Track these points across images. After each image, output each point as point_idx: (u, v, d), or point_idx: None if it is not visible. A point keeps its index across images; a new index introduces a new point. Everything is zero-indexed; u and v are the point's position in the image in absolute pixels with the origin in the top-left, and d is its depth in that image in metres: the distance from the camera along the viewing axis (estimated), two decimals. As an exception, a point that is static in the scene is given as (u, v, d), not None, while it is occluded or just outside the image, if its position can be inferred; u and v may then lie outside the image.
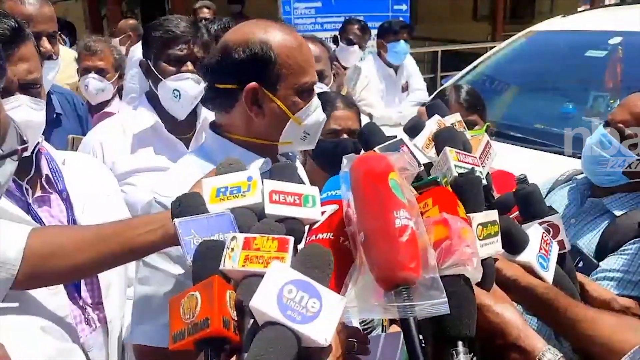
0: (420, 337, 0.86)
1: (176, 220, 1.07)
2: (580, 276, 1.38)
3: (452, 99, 2.55)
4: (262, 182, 1.10)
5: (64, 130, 2.62)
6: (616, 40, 3.92)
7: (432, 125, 1.32)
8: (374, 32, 5.88)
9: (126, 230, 1.22)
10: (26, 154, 1.51)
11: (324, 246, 0.94)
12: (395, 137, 1.30)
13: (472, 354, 0.92)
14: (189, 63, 2.33)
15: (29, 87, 1.46)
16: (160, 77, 2.33)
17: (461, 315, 0.90)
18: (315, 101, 1.53)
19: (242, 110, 1.47)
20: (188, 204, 1.10)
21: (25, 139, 1.12)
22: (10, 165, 1.08)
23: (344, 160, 1.01)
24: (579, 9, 9.75)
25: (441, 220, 0.96)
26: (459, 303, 0.89)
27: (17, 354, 1.16)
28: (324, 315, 0.82)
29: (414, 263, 0.86)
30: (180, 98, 2.32)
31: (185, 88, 2.31)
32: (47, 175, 1.58)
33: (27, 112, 1.45)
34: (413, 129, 1.33)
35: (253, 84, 1.44)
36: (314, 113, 1.52)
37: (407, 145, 1.24)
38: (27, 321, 1.38)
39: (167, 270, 1.39)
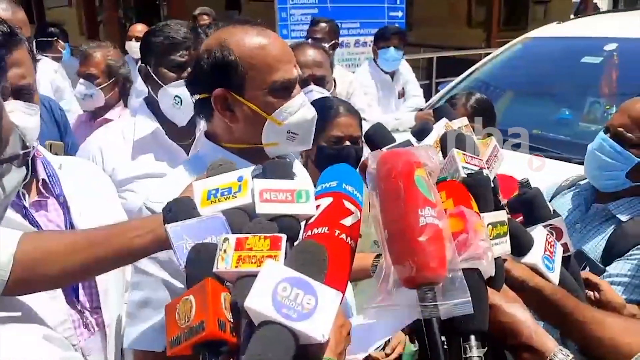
0: (443, 338, 0.86)
1: (167, 225, 1.05)
2: (594, 277, 1.37)
3: (460, 104, 2.57)
4: (253, 181, 1.08)
5: (42, 136, 2.57)
6: (611, 46, 3.95)
7: (440, 128, 1.32)
8: (370, 38, 5.89)
9: (116, 235, 1.22)
10: None
11: (317, 242, 0.93)
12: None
13: (486, 348, 0.92)
14: (189, 69, 2.32)
15: (23, 92, 1.45)
16: (160, 83, 2.33)
17: (475, 309, 0.90)
18: (298, 99, 1.47)
19: (219, 118, 1.47)
20: (179, 209, 1.08)
21: (28, 144, 1.11)
22: (17, 174, 1.07)
23: (370, 158, 0.98)
24: (571, 16, 9.82)
25: (457, 213, 0.96)
26: (473, 297, 0.89)
27: None
28: (320, 312, 0.81)
29: (436, 263, 0.85)
30: (181, 104, 2.31)
31: (187, 94, 2.29)
32: (43, 179, 1.57)
33: (20, 118, 1.44)
34: (421, 132, 1.33)
35: (219, 90, 1.43)
36: (299, 111, 1.47)
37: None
38: (29, 330, 1.37)
39: (156, 275, 1.39)
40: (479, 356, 0.90)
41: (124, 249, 1.20)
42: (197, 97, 1.51)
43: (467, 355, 0.90)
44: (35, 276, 1.23)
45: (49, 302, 1.44)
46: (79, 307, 1.55)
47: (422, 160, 0.96)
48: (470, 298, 0.86)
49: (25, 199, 1.52)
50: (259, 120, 1.45)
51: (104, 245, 1.21)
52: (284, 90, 1.45)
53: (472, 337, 0.91)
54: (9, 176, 1.04)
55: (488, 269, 0.96)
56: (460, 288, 0.86)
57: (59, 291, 1.48)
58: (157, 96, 2.36)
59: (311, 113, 1.51)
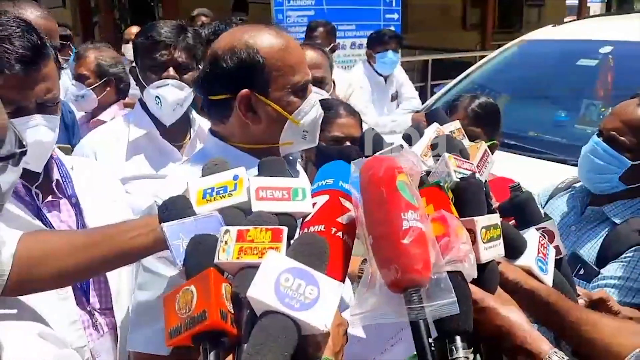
0: (430, 340, 0.86)
1: (164, 224, 1.05)
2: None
3: (461, 107, 2.56)
4: (249, 179, 1.07)
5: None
6: (607, 49, 3.96)
7: (431, 133, 1.32)
8: (365, 41, 5.90)
9: (116, 234, 1.21)
10: (37, 169, 1.51)
11: (318, 234, 0.94)
12: (392, 144, 1.30)
13: (472, 349, 0.92)
14: (170, 68, 2.29)
15: (47, 105, 1.45)
16: (144, 84, 2.32)
17: (459, 310, 0.90)
18: (312, 99, 1.51)
19: (238, 119, 1.46)
20: (174, 208, 1.08)
21: (24, 143, 1.10)
22: (13, 174, 1.06)
23: (352, 166, 0.99)
24: (565, 20, 9.88)
25: (439, 217, 0.97)
26: (457, 299, 0.89)
27: None
28: (322, 302, 0.82)
29: (420, 265, 0.86)
30: (161, 105, 2.29)
31: (165, 94, 2.27)
32: (57, 180, 1.58)
33: (42, 133, 1.45)
34: (411, 136, 1.33)
35: (245, 91, 1.43)
36: (311, 110, 1.51)
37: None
38: (22, 328, 1.37)
39: (167, 275, 1.35)
40: (465, 357, 0.91)
41: (124, 248, 1.20)
42: (213, 98, 1.49)
43: (454, 357, 0.90)
44: (35, 276, 1.22)
45: (59, 303, 1.45)
46: (88, 308, 1.56)
47: (403, 165, 0.96)
48: (455, 298, 0.86)
49: (39, 200, 1.53)
50: (280, 120, 1.47)
51: (104, 245, 1.21)
52: (303, 91, 1.49)
53: (458, 338, 0.91)
54: (4, 176, 1.03)
55: (470, 272, 0.97)
56: (446, 289, 0.87)
57: (70, 292, 1.49)
58: (144, 97, 2.36)
59: (319, 111, 1.55)
